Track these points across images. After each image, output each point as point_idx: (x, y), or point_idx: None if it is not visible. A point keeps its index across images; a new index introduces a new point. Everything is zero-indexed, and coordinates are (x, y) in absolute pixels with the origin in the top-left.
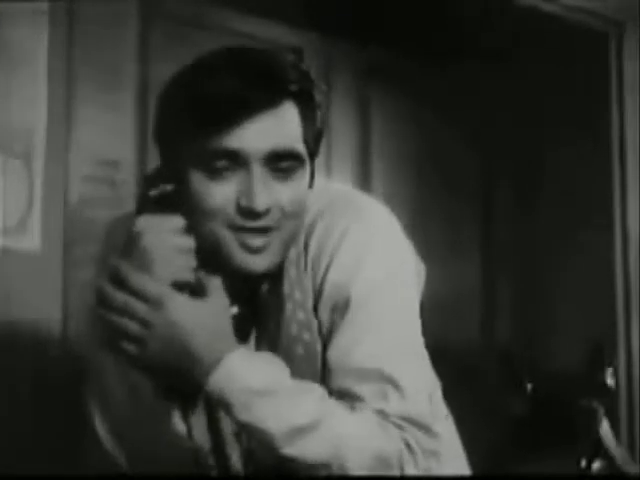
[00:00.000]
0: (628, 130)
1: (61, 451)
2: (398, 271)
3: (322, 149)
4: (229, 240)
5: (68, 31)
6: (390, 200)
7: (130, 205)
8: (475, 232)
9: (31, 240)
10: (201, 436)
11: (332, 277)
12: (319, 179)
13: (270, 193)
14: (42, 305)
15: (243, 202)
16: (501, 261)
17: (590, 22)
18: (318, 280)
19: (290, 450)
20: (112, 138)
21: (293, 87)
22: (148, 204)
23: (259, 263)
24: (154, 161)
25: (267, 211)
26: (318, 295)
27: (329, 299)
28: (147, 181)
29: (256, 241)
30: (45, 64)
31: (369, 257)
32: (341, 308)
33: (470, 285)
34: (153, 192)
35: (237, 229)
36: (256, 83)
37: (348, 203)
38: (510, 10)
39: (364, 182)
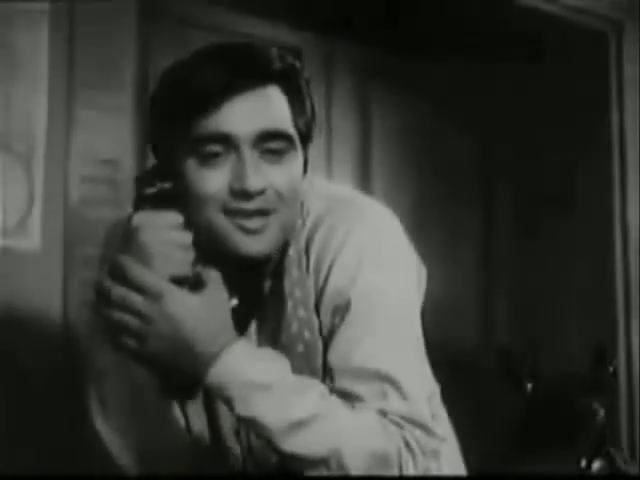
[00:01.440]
0: (628, 129)
1: (61, 450)
2: (399, 273)
3: (322, 150)
4: (226, 225)
5: (68, 31)
6: (390, 201)
7: (130, 205)
8: (475, 233)
9: (31, 240)
10: (201, 431)
11: (334, 279)
12: (322, 181)
13: (262, 174)
14: (42, 305)
15: (236, 185)
16: (501, 262)
17: (590, 22)
18: (320, 282)
19: (288, 445)
20: (112, 138)
21: (276, 68)
22: (145, 203)
23: (256, 246)
24: (154, 161)
25: (261, 192)
26: (320, 297)
27: (331, 301)
28: (142, 180)
29: (253, 223)
30: (45, 64)
31: (370, 260)
32: (342, 309)
33: (470, 286)
34: (149, 190)
35: (233, 213)
36: (239, 66)
37: (350, 206)
38: (510, 10)
39: (364, 183)
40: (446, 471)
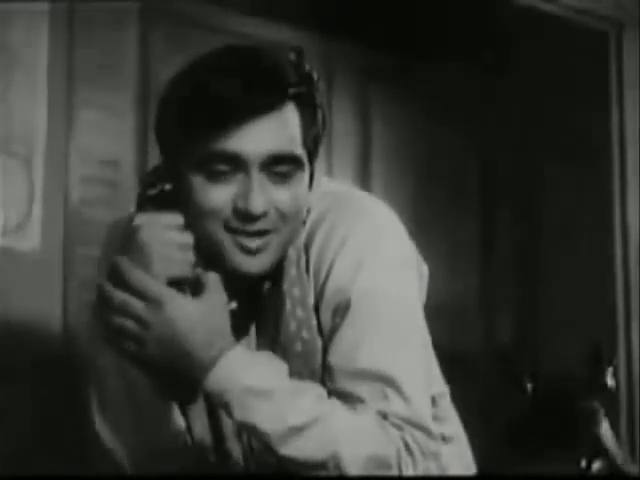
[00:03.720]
0: (628, 129)
1: (61, 450)
2: (399, 272)
3: (322, 149)
4: (226, 241)
5: (68, 32)
6: (389, 202)
7: (130, 205)
8: (475, 232)
9: (31, 240)
10: (202, 432)
11: (334, 279)
12: (323, 179)
13: (267, 197)
14: (42, 305)
15: (240, 205)
16: (501, 261)
17: (590, 22)
18: (320, 282)
19: (286, 450)
20: (112, 138)
21: (294, 90)
22: (147, 203)
23: (255, 264)
24: (154, 161)
25: (264, 214)
26: (320, 297)
27: (331, 301)
28: (146, 180)
29: (253, 243)
30: (45, 64)
31: (370, 259)
32: (342, 310)
33: (470, 286)
34: (152, 191)
35: (234, 231)
36: (257, 87)
37: (351, 204)
38: (510, 10)
39: (364, 182)
40: (455, 472)
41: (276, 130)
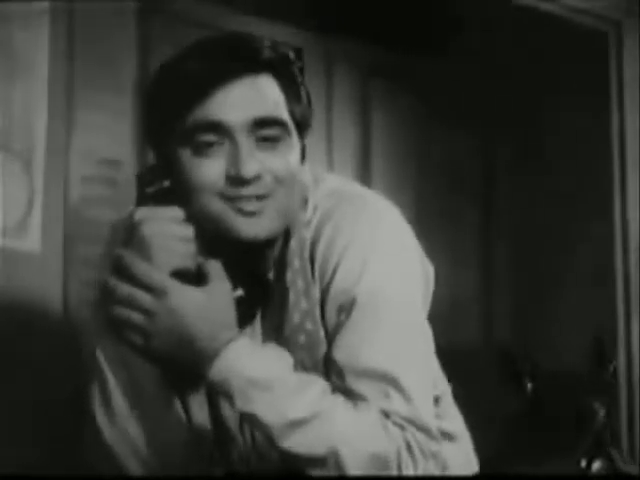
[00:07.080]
0: (628, 129)
1: (61, 447)
2: (404, 273)
3: (323, 147)
4: (224, 210)
5: (68, 31)
6: (390, 198)
7: (130, 205)
8: (476, 231)
9: (31, 240)
10: (203, 425)
11: (339, 279)
12: (328, 175)
13: (258, 160)
14: (42, 305)
15: (232, 172)
16: (502, 260)
17: (590, 22)
18: (326, 279)
19: (287, 443)
20: (112, 138)
21: (266, 56)
22: (146, 201)
23: (255, 228)
24: (153, 159)
25: (257, 177)
26: (325, 294)
27: (336, 299)
28: (143, 179)
29: (251, 206)
30: (45, 64)
31: (375, 259)
32: (347, 308)
33: (470, 284)
34: (150, 189)
35: (230, 199)
36: (230, 55)
37: (356, 203)
38: (510, 10)
39: (365, 179)
40: (458, 470)
41: (254, 95)
